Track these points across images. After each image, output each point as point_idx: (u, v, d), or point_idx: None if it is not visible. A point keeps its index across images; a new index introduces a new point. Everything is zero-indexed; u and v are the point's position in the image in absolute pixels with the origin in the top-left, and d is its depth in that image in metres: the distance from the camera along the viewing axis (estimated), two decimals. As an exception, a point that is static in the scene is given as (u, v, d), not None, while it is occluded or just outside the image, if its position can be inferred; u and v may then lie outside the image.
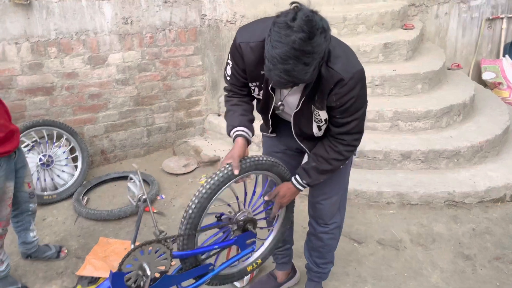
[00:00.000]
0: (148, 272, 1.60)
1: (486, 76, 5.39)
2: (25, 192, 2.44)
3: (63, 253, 2.76)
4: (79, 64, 3.54)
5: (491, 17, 5.43)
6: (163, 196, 3.47)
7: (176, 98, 4.03)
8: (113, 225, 3.10)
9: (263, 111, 1.86)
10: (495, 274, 2.59)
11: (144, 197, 1.68)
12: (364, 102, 1.67)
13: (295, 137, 1.89)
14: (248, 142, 1.80)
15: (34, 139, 3.35)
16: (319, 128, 1.77)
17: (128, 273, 1.61)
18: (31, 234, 2.62)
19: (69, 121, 3.60)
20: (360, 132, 1.76)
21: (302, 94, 1.65)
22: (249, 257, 2.16)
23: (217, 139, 4.10)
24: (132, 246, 1.61)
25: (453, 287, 2.50)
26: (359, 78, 1.58)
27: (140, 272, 1.62)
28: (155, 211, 3.24)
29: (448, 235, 2.92)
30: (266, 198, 1.98)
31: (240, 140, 1.76)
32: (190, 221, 1.73)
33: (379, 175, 3.33)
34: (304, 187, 1.90)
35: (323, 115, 1.69)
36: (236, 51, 1.69)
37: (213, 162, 3.82)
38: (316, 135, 1.83)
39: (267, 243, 2.19)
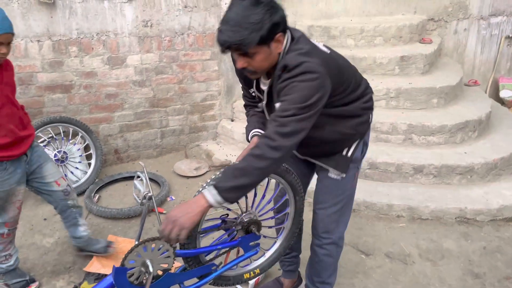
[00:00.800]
0: (151, 269, 1.61)
1: (504, 94, 5.32)
2: (57, 191, 2.39)
3: (111, 248, 2.67)
4: (98, 64, 3.61)
5: (511, 35, 5.36)
6: (173, 198, 3.49)
7: (191, 102, 4.08)
8: (123, 223, 3.13)
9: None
10: (504, 294, 2.54)
11: (149, 194, 1.67)
12: (306, 101, 1.49)
13: None
14: None
15: (50, 135, 3.42)
16: None
17: (131, 269, 1.62)
18: (81, 229, 2.58)
19: (85, 119, 3.67)
20: (286, 126, 1.49)
21: (268, 88, 1.72)
22: (248, 264, 2.16)
23: (230, 144, 4.12)
24: (136, 243, 1.63)
25: (461, 304, 2.46)
26: (307, 69, 1.51)
27: (142, 269, 1.64)
28: (163, 211, 3.26)
29: (457, 252, 2.87)
30: (160, 232, 1.54)
31: (255, 139, 1.82)
32: None
33: (390, 187, 3.30)
34: (213, 195, 1.50)
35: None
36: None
37: (225, 166, 3.83)
38: None
39: (268, 254, 2.18)
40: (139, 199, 1.65)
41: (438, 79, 3.96)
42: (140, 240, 1.65)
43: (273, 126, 1.52)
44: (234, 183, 1.49)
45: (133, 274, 1.63)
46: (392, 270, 2.72)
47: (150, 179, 3.53)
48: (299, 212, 2.14)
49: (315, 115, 1.56)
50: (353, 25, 4.19)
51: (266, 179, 1.95)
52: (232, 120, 4.25)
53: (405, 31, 4.28)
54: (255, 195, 2.04)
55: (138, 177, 1.73)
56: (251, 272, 2.13)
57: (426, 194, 3.23)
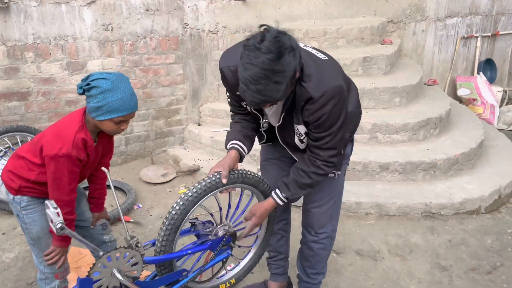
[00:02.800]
0: (120, 277, 1.55)
1: (461, 92, 5.54)
2: (96, 225, 2.23)
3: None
4: (57, 69, 3.48)
5: (466, 36, 5.60)
6: (140, 206, 3.40)
7: (156, 107, 4.00)
8: (87, 234, 3.01)
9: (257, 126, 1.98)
10: (471, 285, 2.61)
11: (59, 225, 1.47)
12: (339, 119, 1.66)
13: (286, 148, 1.98)
14: (241, 156, 1.89)
15: (7, 145, 3.26)
16: (301, 141, 1.83)
17: (97, 281, 1.56)
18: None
19: (44, 127, 3.50)
20: (335, 148, 1.74)
21: (282, 110, 1.73)
22: (223, 275, 2.13)
23: (197, 149, 4.06)
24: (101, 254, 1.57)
25: (430, 297, 2.51)
26: (331, 95, 1.59)
27: (110, 279, 1.57)
28: (131, 220, 3.17)
29: (425, 246, 2.94)
30: (243, 219, 1.95)
31: (232, 152, 1.87)
32: (172, 223, 1.71)
33: (358, 186, 3.34)
34: (284, 201, 1.89)
35: (302, 129, 1.75)
36: (222, 76, 1.79)
37: (193, 171, 3.77)
38: (300, 147, 1.88)
39: (243, 263, 2.17)
40: (55, 230, 1.47)
41: (400, 79, 4.06)
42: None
43: (324, 152, 1.74)
44: (302, 193, 1.89)
45: (100, 286, 1.56)
46: (363, 267, 2.75)
47: (115, 187, 3.41)
48: (272, 220, 2.14)
49: (347, 123, 1.73)
50: (316, 28, 4.25)
51: (240, 189, 1.97)
52: (199, 125, 4.20)
53: (366, 33, 4.38)
54: (229, 206, 2.02)
55: (47, 206, 1.52)
56: (227, 283, 2.11)
57: (393, 191, 3.29)
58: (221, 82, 1.71)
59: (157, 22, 3.74)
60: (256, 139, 2.03)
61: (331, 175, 1.93)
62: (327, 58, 1.72)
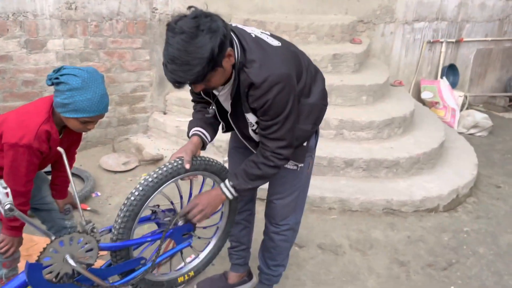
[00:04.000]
0: (72, 263, 1.46)
1: (425, 95, 5.69)
2: (56, 209, 2.14)
3: None
4: (14, 47, 3.28)
5: (431, 40, 5.75)
6: (99, 194, 3.27)
7: (119, 92, 3.85)
8: (39, 223, 2.85)
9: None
10: (427, 280, 2.67)
11: (7, 206, 1.36)
12: (285, 108, 1.61)
13: (243, 140, 1.93)
14: (203, 143, 1.85)
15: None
16: (254, 132, 1.79)
17: (47, 267, 1.46)
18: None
19: (-2, 107, 3.32)
20: (283, 139, 1.68)
21: (230, 98, 1.70)
22: (182, 267, 2.07)
23: (162, 138, 3.95)
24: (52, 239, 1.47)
25: (388, 292, 2.54)
26: (275, 82, 1.55)
27: (62, 265, 1.48)
28: (88, 208, 3.04)
29: (384, 242, 2.98)
30: (184, 211, 1.84)
31: (195, 138, 1.83)
32: (131, 209, 1.63)
33: (322, 181, 3.35)
34: (231, 192, 1.80)
35: (252, 118, 1.72)
36: None
37: (156, 161, 3.67)
38: (255, 138, 1.84)
39: (202, 255, 2.12)
40: (3, 211, 1.37)
41: (367, 78, 4.11)
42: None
43: (272, 143, 1.68)
44: (251, 185, 1.78)
45: (51, 272, 1.47)
46: (324, 261, 2.76)
47: (73, 174, 3.26)
48: (233, 210, 2.10)
49: (296, 113, 1.68)
50: (288, 22, 4.23)
51: (202, 177, 1.91)
52: (165, 113, 4.09)
53: (337, 30, 4.40)
54: (190, 194, 1.96)
55: None
56: (185, 275, 2.05)
57: (356, 187, 3.32)
58: None
59: (124, 4, 3.60)
60: (220, 128, 1.99)
61: (293, 167, 1.91)
62: (280, 44, 1.68)
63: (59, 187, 2.12)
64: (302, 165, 1.92)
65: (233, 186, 1.78)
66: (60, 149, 1.64)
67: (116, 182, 3.46)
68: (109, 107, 3.78)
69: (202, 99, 1.90)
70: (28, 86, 3.42)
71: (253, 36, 1.66)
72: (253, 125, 1.75)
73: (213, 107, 1.82)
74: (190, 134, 1.86)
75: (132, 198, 1.63)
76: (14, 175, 1.69)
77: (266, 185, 2.02)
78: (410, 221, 3.23)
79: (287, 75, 1.59)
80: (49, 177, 2.15)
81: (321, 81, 1.87)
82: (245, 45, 1.59)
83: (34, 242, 2.63)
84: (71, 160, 2.08)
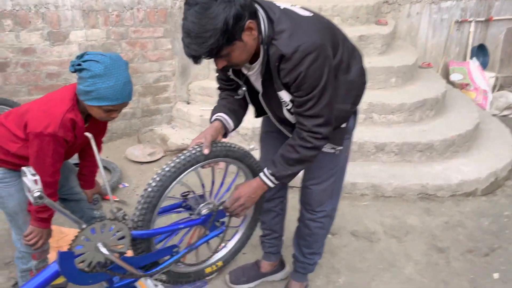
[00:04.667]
0: (105, 252, 1.40)
1: (454, 77, 5.47)
2: (85, 199, 2.13)
3: None
4: (37, 39, 3.26)
5: (460, 20, 5.51)
6: (126, 185, 3.24)
7: (142, 83, 3.81)
8: (69, 213, 2.85)
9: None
10: (468, 266, 2.54)
11: (37, 194, 1.31)
12: (320, 80, 1.49)
13: (277, 124, 1.83)
14: (225, 128, 1.74)
15: (-18, 118, 3.05)
16: (290, 112, 1.68)
17: (80, 255, 1.41)
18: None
19: (23, 101, 3.29)
20: (321, 116, 1.56)
21: (261, 76, 1.60)
22: (209, 258, 2.00)
23: (186, 128, 3.90)
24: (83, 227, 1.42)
25: (427, 279, 2.43)
26: (307, 51, 1.43)
27: (95, 254, 1.43)
28: (116, 199, 3.01)
29: (421, 228, 2.86)
30: (225, 206, 1.77)
31: (216, 122, 1.72)
32: (148, 200, 1.56)
33: (353, 166, 3.22)
34: (271, 181, 1.71)
35: (285, 96, 1.60)
36: None
37: (181, 150, 3.61)
38: (291, 120, 1.73)
39: (230, 245, 2.03)
40: (33, 199, 1.33)
41: (396, 59, 3.96)
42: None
43: (308, 121, 1.57)
44: (291, 171, 1.67)
45: (83, 261, 1.42)
46: (358, 248, 2.66)
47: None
48: (261, 197, 2.00)
49: (333, 88, 1.56)
50: (312, 4, 4.09)
51: (225, 164, 1.83)
52: (188, 103, 4.03)
53: (362, 12, 4.25)
54: (213, 183, 1.89)
55: (25, 173, 1.36)
56: (213, 266, 1.97)
57: (388, 172, 3.20)
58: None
59: (144, -7, 3.55)
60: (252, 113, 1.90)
61: (331, 150, 1.80)
62: (311, 15, 1.57)
63: (87, 177, 2.09)
64: (341, 148, 1.81)
65: (272, 174, 1.68)
66: (88, 134, 1.59)
67: (143, 172, 3.43)
68: (133, 98, 3.76)
69: (230, 86, 1.81)
70: (52, 79, 3.41)
71: (282, 7, 1.55)
72: (288, 104, 1.64)
73: (243, 88, 1.73)
74: (211, 120, 1.78)
75: (149, 189, 1.55)
76: (41, 165, 1.65)
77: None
78: (447, 206, 3.09)
79: (320, 44, 1.46)
80: (77, 168, 2.12)
81: (359, 58, 1.75)
82: (272, 16, 1.49)
83: (64, 234, 2.61)
84: (98, 150, 2.03)
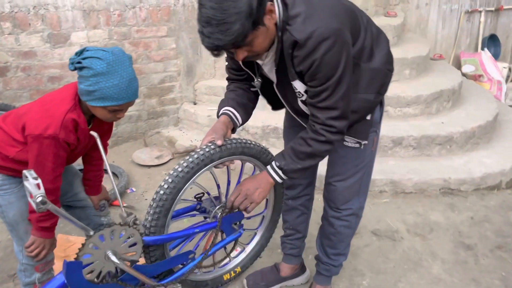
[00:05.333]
0: (116, 260, 1.27)
1: (466, 69, 5.32)
2: (91, 206, 2.00)
3: None
4: (38, 42, 3.15)
5: (470, 10, 5.37)
6: (134, 189, 3.12)
7: (147, 84, 3.69)
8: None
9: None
10: (499, 263, 2.39)
11: (39, 199, 1.20)
12: (337, 69, 1.38)
13: (294, 115, 1.72)
14: (233, 123, 1.63)
15: (-17, 125, 2.94)
16: (303, 102, 1.56)
17: (88, 265, 1.28)
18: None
19: (25, 106, 3.20)
20: (335, 108, 1.45)
21: (275, 65, 1.48)
22: (226, 263, 1.87)
23: (193, 129, 3.78)
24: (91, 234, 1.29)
25: (457, 278, 2.28)
26: (322, 37, 1.32)
27: (104, 263, 1.30)
28: (124, 204, 2.89)
29: (446, 224, 2.71)
30: (229, 200, 1.62)
31: (223, 117, 1.61)
32: (161, 204, 1.43)
33: (369, 162, 3.10)
34: (278, 174, 1.58)
35: (299, 86, 1.49)
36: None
37: (190, 151, 3.49)
38: (306, 112, 1.60)
39: (248, 248, 1.90)
40: (35, 205, 1.22)
41: (408, 51, 3.82)
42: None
43: (322, 113, 1.46)
44: (300, 165, 1.55)
45: (92, 271, 1.29)
46: (381, 248, 2.51)
47: (106, 170, 3.13)
48: (279, 197, 1.87)
49: (351, 78, 1.44)
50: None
51: (240, 162, 1.70)
52: (195, 103, 3.91)
53: (370, 4, 4.13)
54: (229, 183, 1.76)
55: (26, 177, 1.26)
56: (231, 272, 1.84)
57: (408, 167, 3.05)
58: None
59: (147, -9, 3.43)
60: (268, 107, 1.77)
61: (356, 145, 1.67)
62: None
63: (92, 182, 1.96)
64: (366, 142, 1.66)
65: (280, 167, 1.55)
66: (93, 133, 1.46)
67: (151, 176, 3.30)
68: (138, 100, 3.66)
69: (241, 76, 1.70)
70: (54, 82, 3.29)
71: None
72: (302, 95, 1.52)
73: (259, 80, 1.61)
74: (219, 114, 1.66)
75: (162, 192, 1.43)
76: (40, 171, 1.51)
77: (324, 166, 1.79)
78: (471, 200, 2.94)
79: (337, 29, 1.34)
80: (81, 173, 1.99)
81: (385, 43, 1.61)
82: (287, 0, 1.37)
83: (70, 243, 2.49)
84: (104, 152, 1.91)
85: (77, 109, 1.55)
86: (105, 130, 1.79)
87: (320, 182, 2.01)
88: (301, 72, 1.42)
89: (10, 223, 1.67)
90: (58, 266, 2.20)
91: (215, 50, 1.31)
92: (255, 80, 1.62)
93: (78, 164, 1.94)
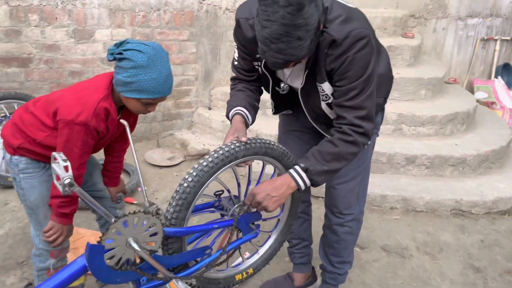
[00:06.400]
0: (137, 248, 1.28)
1: (479, 95, 5.34)
2: (108, 197, 1.99)
3: None
4: (62, 36, 3.21)
5: (485, 38, 5.41)
6: (145, 188, 3.12)
7: (165, 86, 3.73)
8: (86, 214, 2.73)
9: (267, 91, 1.73)
10: (508, 288, 2.37)
11: (67, 181, 1.19)
12: (366, 69, 1.42)
13: (311, 121, 1.72)
14: (246, 124, 1.63)
15: (3, 114, 2.98)
16: (329, 105, 1.57)
17: (110, 250, 1.29)
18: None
19: (44, 98, 3.24)
20: (363, 108, 1.46)
21: (306, 67, 1.50)
22: (239, 264, 1.87)
23: (206, 134, 3.80)
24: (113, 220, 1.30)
25: (466, 300, 2.27)
26: (358, 37, 1.37)
27: (125, 250, 1.30)
28: (135, 202, 2.90)
29: (456, 245, 2.70)
30: (244, 202, 1.59)
31: (238, 116, 1.61)
32: (184, 197, 1.43)
33: (381, 178, 3.10)
34: (302, 178, 1.52)
35: (327, 88, 1.51)
36: (237, 28, 1.57)
37: (202, 155, 3.51)
38: (329, 115, 1.62)
39: (262, 250, 1.89)
40: (61, 187, 1.22)
41: (424, 72, 3.86)
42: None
43: (349, 112, 1.47)
44: (327, 167, 1.50)
45: (112, 257, 1.29)
46: (390, 264, 2.50)
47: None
48: (296, 201, 1.87)
49: (376, 81, 1.48)
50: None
51: (262, 163, 1.70)
52: (210, 109, 3.94)
53: (389, 23, 4.17)
54: (249, 182, 1.76)
55: (55, 159, 1.25)
56: (244, 273, 1.83)
57: (420, 186, 3.05)
58: None
59: (172, -6, 3.50)
60: (269, 110, 1.80)
61: None
62: (356, 8, 1.51)
63: (112, 173, 1.98)
64: (369, 142, 1.70)
65: (304, 169, 1.50)
66: (123, 121, 1.48)
67: (162, 177, 3.32)
68: (155, 101, 3.69)
69: (251, 77, 1.69)
70: (75, 77, 3.34)
71: None
72: (328, 98, 1.54)
73: (287, 84, 1.62)
74: (232, 113, 1.63)
75: (185, 184, 1.43)
76: (67, 156, 1.53)
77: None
78: (482, 223, 2.93)
79: (370, 34, 1.41)
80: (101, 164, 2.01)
81: (385, 54, 1.69)
82: (325, 5, 1.41)
83: (80, 235, 2.50)
84: (126, 144, 1.93)
85: (110, 99, 1.57)
86: (131, 123, 1.82)
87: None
88: (331, 71, 1.45)
89: (30, 207, 1.68)
90: (70, 257, 2.22)
91: (284, 65, 1.34)
92: (282, 84, 1.62)
93: (100, 158, 1.96)
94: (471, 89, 5.50)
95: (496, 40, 5.48)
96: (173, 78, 1.59)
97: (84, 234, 2.52)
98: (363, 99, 1.45)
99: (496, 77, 5.56)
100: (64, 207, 1.62)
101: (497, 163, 3.35)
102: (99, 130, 1.56)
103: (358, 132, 1.48)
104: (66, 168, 1.23)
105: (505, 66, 5.66)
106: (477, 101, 5.19)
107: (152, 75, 1.48)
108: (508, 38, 5.57)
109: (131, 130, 1.86)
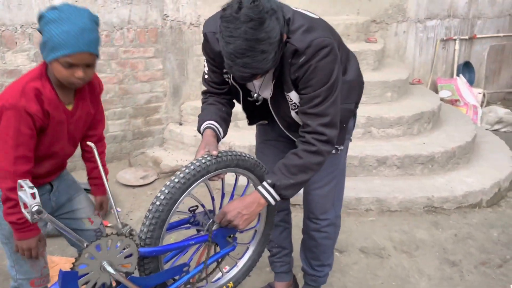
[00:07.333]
0: (111, 271, 1.25)
1: (443, 94, 5.51)
2: (88, 229, 1.83)
3: None
4: (23, 60, 3.14)
5: (445, 38, 5.61)
6: (119, 209, 3.06)
7: (133, 104, 3.69)
8: (60, 241, 2.65)
9: (238, 103, 1.75)
10: (483, 279, 2.44)
11: (35, 208, 1.15)
12: (330, 77, 1.44)
13: (284, 130, 1.75)
14: (217, 137, 1.63)
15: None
16: (297, 113, 1.60)
17: (84, 276, 1.26)
18: None
19: (8, 125, 3.15)
20: (326, 115, 1.47)
21: (273, 78, 1.53)
22: (219, 279, 1.86)
23: (179, 150, 3.77)
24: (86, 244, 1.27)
25: (444, 294, 2.31)
26: (320, 46, 1.41)
27: (99, 274, 1.27)
28: (109, 224, 2.84)
29: (431, 241, 2.76)
30: (216, 220, 1.58)
31: (209, 131, 1.60)
32: (157, 215, 1.42)
33: (355, 181, 3.15)
34: (271, 194, 1.52)
35: (294, 96, 1.54)
36: (205, 42, 1.60)
37: (176, 172, 3.47)
38: (301, 123, 1.63)
39: (241, 263, 1.89)
40: (29, 216, 1.17)
41: (389, 75, 3.96)
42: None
43: (313, 120, 1.48)
44: (293, 180, 1.51)
45: (87, 282, 1.26)
46: (369, 265, 2.53)
47: (86, 190, 3.06)
48: (271, 211, 1.88)
49: (340, 89, 1.51)
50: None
51: (235, 175, 1.71)
52: (181, 124, 3.92)
53: (352, 30, 4.27)
54: (223, 196, 1.76)
55: (21, 186, 1.20)
56: (224, 287, 1.82)
57: (392, 186, 3.12)
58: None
59: (134, 12, 3.48)
60: (244, 121, 1.82)
61: (333, 151, 1.71)
62: (318, 17, 1.55)
63: (97, 180, 1.84)
64: (342, 147, 1.75)
65: (272, 184, 1.50)
66: (90, 143, 1.45)
67: (136, 196, 3.26)
68: (123, 120, 3.66)
69: (221, 90, 1.70)
70: (39, 101, 3.26)
71: (293, 8, 1.52)
72: (296, 107, 1.57)
73: (261, 96, 1.64)
74: (202, 127, 1.63)
75: (158, 202, 1.41)
76: (1, 150, 1.41)
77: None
78: (454, 218, 3.01)
79: (332, 42, 1.44)
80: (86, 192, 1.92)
81: (354, 59, 1.74)
82: (285, 15, 1.43)
83: (54, 263, 2.42)
84: (101, 147, 1.81)
85: (43, 79, 1.45)
86: (98, 116, 1.71)
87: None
88: (296, 80, 1.47)
89: (6, 236, 1.60)
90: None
91: (251, 78, 1.37)
92: (255, 95, 1.63)
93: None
94: (435, 89, 5.68)
95: (455, 40, 5.69)
96: (95, 35, 1.43)
97: (58, 262, 2.45)
98: (327, 106, 1.47)
99: (458, 75, 5.77)
100: (10, 215, 1.48)
101: (464, 158, 3.45)
102: (31, 112, 1.40)
103: (321, 140, 1.50)
104: (32, 195, 1.19)
105: (466, 64, 5.88)
106: (441, 99, 5.38)
107: (64, 27, 1.35)
108: (466, 37, 5.80)
109: (100, 126, 1.78)
